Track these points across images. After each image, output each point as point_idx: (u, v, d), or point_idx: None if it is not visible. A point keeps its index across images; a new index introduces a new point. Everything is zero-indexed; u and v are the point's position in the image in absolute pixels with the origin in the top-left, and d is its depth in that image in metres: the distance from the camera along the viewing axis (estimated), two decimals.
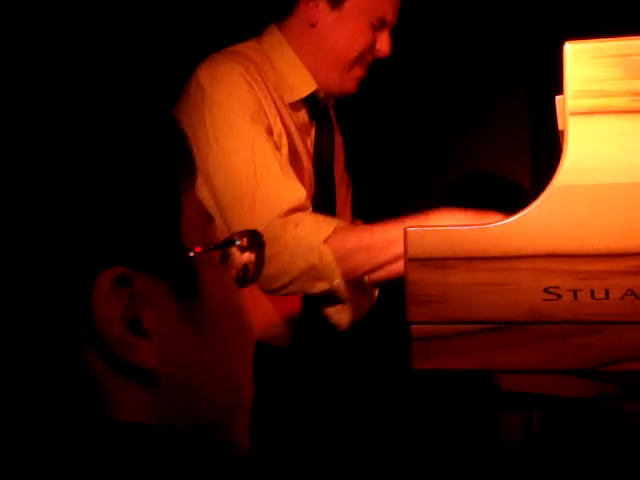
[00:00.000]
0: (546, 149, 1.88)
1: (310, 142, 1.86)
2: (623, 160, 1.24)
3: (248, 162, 1.66)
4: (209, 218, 0.68)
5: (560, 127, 1.47)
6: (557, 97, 1.45)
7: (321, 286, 1.64)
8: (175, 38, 2.33)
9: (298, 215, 1.65)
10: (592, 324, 1.24)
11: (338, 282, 1.63)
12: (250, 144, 1.67)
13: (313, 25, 1.79)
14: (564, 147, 1.28)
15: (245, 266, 0.69)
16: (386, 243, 1.61)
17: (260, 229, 1.54)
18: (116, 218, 0.60)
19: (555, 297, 1.25)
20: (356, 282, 1.78)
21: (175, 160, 0.65)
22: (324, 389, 1.68)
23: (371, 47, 1.81)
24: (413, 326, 1.29)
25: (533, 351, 1.26)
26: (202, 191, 1.70)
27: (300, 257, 1.61)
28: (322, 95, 1.86)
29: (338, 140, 2.01)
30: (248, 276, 0.70)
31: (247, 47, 1.83)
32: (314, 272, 1.62)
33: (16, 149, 0.60)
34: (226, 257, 0.68)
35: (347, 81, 1.84)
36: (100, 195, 0.60)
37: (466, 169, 2.73)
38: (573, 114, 1.27)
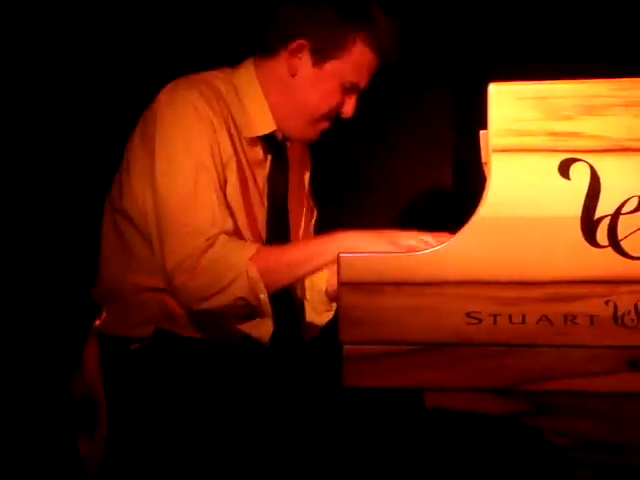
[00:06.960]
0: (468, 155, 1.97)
1: (263, 176, 1.93)
2: (541, 195, 1.34)
3: (189, 184, 1.74)
4: None
5: (484, 160, 1.58)
6: (481, 132, 1.54)
7: (242, 302, 1.72)
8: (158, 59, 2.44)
9: (225, 236, 1.75)
10: (509, 347, 1.35)
11: (262, 297, 1.71)
12: (192, 169, 1.75)
13: (292, 75, 1.88)
14: (487, 181, 1.37)
15: None
16: (304, 259, 1.75)
17: (191, 245, 1.65)
18: None
19: (476, 321, 1.35)
20: (319, 300, 1.95)
21: None
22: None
23: (339, 107, 1.91)
24: (346, 346, 1.38)
25: (456, 371, 1.36)
26: (149, 203, 1.80)
27: (226, 272, 1.70)
28: (280, 136, 1.95)
29: (299, 174, 2.08)
30: None
31: (216, 76, 1.91)
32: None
33: None
34: None
35: (311, 131, 1.95)
36: None
37: (390, 173, 2.84)
38: (496, 151, 1.36)
